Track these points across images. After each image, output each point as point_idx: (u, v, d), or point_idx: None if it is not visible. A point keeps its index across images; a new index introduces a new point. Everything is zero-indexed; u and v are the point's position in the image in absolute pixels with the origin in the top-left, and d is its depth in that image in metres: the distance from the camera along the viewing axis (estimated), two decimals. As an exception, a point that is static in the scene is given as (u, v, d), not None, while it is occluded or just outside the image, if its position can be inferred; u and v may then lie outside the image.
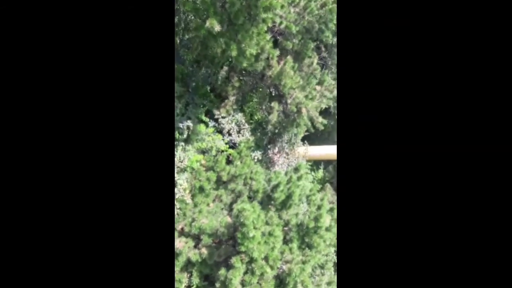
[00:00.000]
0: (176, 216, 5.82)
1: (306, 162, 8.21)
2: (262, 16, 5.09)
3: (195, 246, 5.59)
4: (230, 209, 5.88)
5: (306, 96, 6.74)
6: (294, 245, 5.45)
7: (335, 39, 7.03)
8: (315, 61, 6.99)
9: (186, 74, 6.60)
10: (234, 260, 5.00)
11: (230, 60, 6.44)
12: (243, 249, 4.90)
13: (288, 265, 5.25)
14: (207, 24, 4.62)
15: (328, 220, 5.60)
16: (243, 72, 6.97)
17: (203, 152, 6.55)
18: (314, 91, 6.83)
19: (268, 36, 5.66)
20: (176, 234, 5.66)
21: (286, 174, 5.96)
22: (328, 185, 8.94)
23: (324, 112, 7.60)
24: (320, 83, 7.04)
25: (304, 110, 6.72)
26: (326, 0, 5.95)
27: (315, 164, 9.04)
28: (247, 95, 7.40)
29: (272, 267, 5.15)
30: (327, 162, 9.27)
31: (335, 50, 7.74)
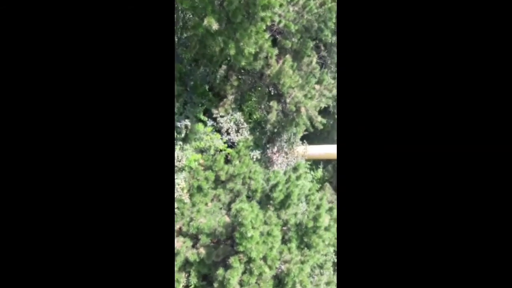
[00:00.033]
0: (174, 215, 5.79)
1: (305, 161, 8.19)
2: (261, 14, 5.06)
3: (193, 246, 5.57)
4: (228, 208, 5.85)
5: (305, 95, 6.71)
6: (293, 245, 5.42)
7: (334, 38, 7.01)
8: (314, 60, 6.96)
9: (184, 73, 6.57)
10: (232, 260, 4.97)
11: (228, 59, 6.40)
12: (241, 249, 4.88)
13: (287, 265, 5.23)
14: (205, 22, 4.58)
15: (327, 219, 5.58)
16: (242, 71, 6.94)
17: (201, 151, 6.52)
18: (313, 90, 6.80)
19: (267, 35, 5.62)
20: (174, 233, 5.63)
21: (285, 173, 5.93)
22: (327, 185, 8.92)
23: (323, 112, 7.58)
24: (319, 82, 7.01)
25: (303, 109, 6.70)
26: (325, -1, 5.92)
27: (314, 163, 9.02)
28: (246, 94, 7.36)
29: (270, 267, 5.12)
30: (326, 162, 9.25)
31: (334, 49, 7.71)
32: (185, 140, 6.21)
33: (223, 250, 5.32)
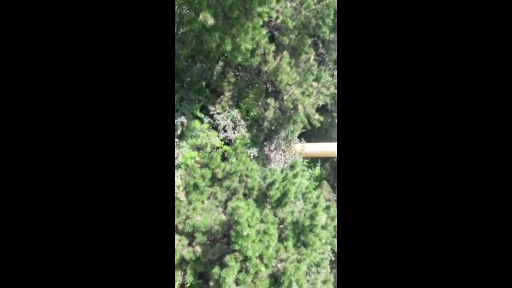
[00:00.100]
0: (170, 213, 5.73)
1: (303, 159, 8.15)
2: (258, 10, 4.98)
3: (189, 244, 5.52)
4: (225, 206, 5.80)
5: (302, 93, 6.65)
6: (290, 243, 5.38)
7: (332, 35, 6.95)
8: (312, 57, 6.90)
9: (180, 69, 6.49)
10: (228, 258, 4.93)
11: (225, 55, 6.33)
12: (237, 247, 4.83)
13: (283, 263, 5.19)
14: (201, 17, 4.50)
15: (324, 218, 5.53)
16: (239, 67, 6.87)
17: (197, 148, 6.46)
18: (311, 88, 6.74)
19: (264, 31, 5.55)
20: (169, 231, 5.57)
21: (282, 171, 5.88)
22: (325, 182, 8.89)
23: (321, 109, 7.53)
24: (317, 79, 6.95)
25: (300, 107, 6.64)
26: (323, -5, 5.85)
27: (312, 161, 8.98)
28: (243, 91, 7.30)
29: (266, 266, 5.08)
30: (324, 159, 9.22)
31: (333, 46, 7.66)
32: (181, 137, 6.15)
33: (219, 249, 5.27)
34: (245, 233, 4.74)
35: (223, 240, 5.42)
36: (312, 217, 5.30)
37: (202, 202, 5.91)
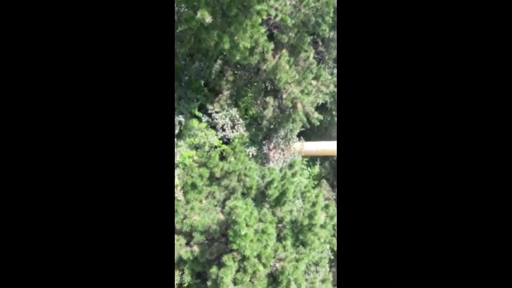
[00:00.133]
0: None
1: (302, 158, 8.12)
2: (256, 8, 4.93)
3: (187, 244, 5.49)
4: (223, 206, 5.76)
5: (302, 91, 6.61)
6: (288, 242, 5.36)
7: (332, 33, 6.90)
8: (311, 55, 6.86)
9: (179, 67, 6.45)
10: (226, 258, 4.90)
11: (224, 53, 6.29)
12: (235, 247, 4.81)
13: (282, 263, 5.17)
14: (198, 15, 4.46)
15: (323, 217, 5.51)
16: (238, 66, 6.83)
17: (195, 147, 6.43)
18: (310, 86, 6.70)
19: (263, 29, 5.51)
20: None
21: (280, 170, 5.85)
22: (324, 181, 8.87)
23: (320, 108, 7.49)
24: (316, 78, 6.91)
25: (299, 106, 6.60)
26: (322, -8, 5.80)
27: (311, 160, 8.95)
28: (242, 90, 7.26)
29: (265, 265, 5.06)
30: (323, 158, 9.19)
31: (332, 44, 7.61)
32: (179, 136, 6.12)
33: (217, 248, 5.25)
34: (243, 233, 4.72)
35: (221, 240, 5.40)
36: (310, 216, 5.28)
37: (200, 201, 5.88)
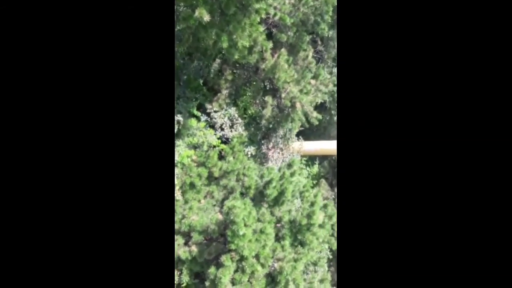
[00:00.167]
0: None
1: (301, 157, 8.10)
2: (255, 6, 4.91)
3: (185, 244, 5.47)
4: (221, 205, 5.74)
5: (300, 91, 6.59)
6: (286, 242, 5.34)
7: (331, 32, 6.88)
8: (310, 54, 6.83)
9: (177, 66, 6.42)
10: (224, 258, 4.88)
11: (222, 52, 6.26)
12: (233, 247, 4.79)
13: (280, 263, 5.15)
14: (196, 13, 4.43)
15: (322, 217, 5.49)
16: (237, 65, 6.80)
17: (194, 147, 6.40)
18: (309, 85, 6.68)
19: (262, 28, 5.48)
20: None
21: (279, 170, 5.83)
22: (323, 181, 8.85)
23: (319, 107, 7.47)
24: (315, 77, 6.89)
25: (298, 105, 6.58)
26: (321, -9, 5.78)
27: (310, 159, 8.94)
28: (241, 89, 7.24)
29: (263, 265, 5.04)
30: (322, 157, 9.17)
31: (331, 43, 7.59)
32: (177, 135, 6.09)
33: (216, 248, 5.23)
34: (241, 233, 4.69)
35: (220, 240, 5.38)
36: (309, 216, 5.26)
37: (199, 201, 5.85)
